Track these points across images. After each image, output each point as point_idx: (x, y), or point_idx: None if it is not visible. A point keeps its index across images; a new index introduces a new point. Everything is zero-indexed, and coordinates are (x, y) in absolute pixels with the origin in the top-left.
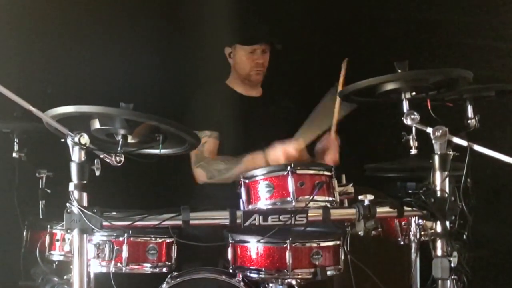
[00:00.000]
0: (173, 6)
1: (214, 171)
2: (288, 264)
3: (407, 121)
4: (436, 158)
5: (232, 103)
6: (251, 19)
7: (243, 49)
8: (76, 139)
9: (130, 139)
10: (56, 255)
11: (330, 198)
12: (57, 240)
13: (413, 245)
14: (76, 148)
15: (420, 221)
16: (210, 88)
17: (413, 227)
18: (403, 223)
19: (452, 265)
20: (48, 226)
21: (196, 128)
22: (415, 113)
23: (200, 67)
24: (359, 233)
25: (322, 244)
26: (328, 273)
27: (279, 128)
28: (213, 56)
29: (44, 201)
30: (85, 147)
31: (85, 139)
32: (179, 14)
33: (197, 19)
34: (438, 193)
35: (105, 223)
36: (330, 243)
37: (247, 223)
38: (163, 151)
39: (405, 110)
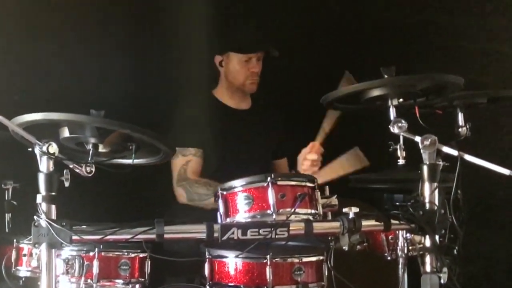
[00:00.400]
0: (153, 9)
1: (195, 195)
2: (268, 280)
3: (394, 130)
4: (425, 168)
5: (220, 116)
6: (246, 26)
7: (237, 57)
8: (44, 148)
9: (101, 149)
10: (23, 271)
11: (313, 211)
12: (24, 255)
13: (401, 260)
14: (44, 158)
15: (408, 235)
16: (195, 100)
17: (400, 241)
18: (390, 237)
19: (442, 281)
20: (15, 240)
21: (181, 144)
22: (403, 121)
23: (184, 76)
24: (344, 247)
25: (305, 259)
26: None
27: (266, 143)
28: (197, 64)
29: (10, 214)
30: (53, 157)
31: (53, 148)
32: (160, 18)
33: (179, 24)
34: (427, 206)
35: (74, 237)
36: (313, 259)
37: (225, 237)
38: (136, 161)
39: (392, 118)
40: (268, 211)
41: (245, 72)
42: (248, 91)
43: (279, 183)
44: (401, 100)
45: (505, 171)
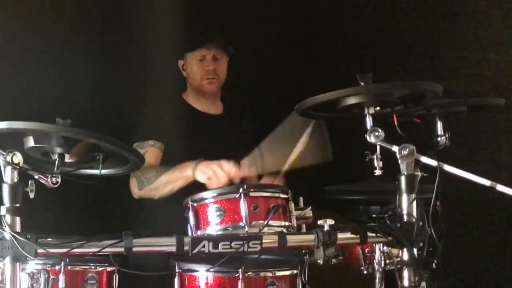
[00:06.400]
0: (120, 16)
1: (144, 179)
2: None
3: (371, 139)
4: (403, 179)
5: (187, 118)
6: (199, 25)
7: (193, 57)
8: (8, 158)
9: (67, 158)
10: None
11: (287, 223)
12: None
13: (378, 274)
14: (8, 168)
15: (385, 248)
16: (163, 103)
17: (377, 254)
18: (366, 250)
19: None
20: None
21: (141, 139)
22: (380, 130)
23: (151, 80)
24: (318, 261)
25: (278, 273)
26: None
27: (238, 149)
28: (165, 67)
29: None
30: (18, 167)
31: (18, 158)
32: (127, 24)
33: (146, 30)
34: (405, 218)
35: (39, 250)
36: (287, 273)
37: (195, 251)
38: (104, 171)
39: (368, 127)
40: (240, 223)
41: (201, 72)
42: (207, 91)
43: (251, 194)
44: (378, 108)
45: (485, 182)
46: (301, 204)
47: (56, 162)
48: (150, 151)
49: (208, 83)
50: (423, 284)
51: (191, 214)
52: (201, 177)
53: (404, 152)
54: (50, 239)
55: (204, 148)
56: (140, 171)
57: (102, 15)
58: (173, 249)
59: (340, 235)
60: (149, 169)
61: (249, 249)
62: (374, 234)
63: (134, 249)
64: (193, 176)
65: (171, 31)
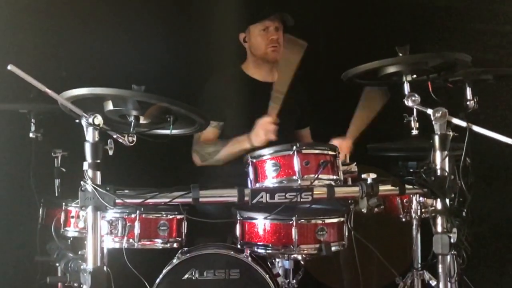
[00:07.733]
0: None
1: (206, 154)
2: (294, 240)
3: (408, 103)
4: (436, 138)
5: (246, 87)
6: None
7: (256, 28)
8: (90, 120)
9: (142, 120)
10: (71, 232)
11: (335, 177)
12: (72, 217)
13: (414, 221)
14: (90, 129)
15: (421, 198)
16: (224, 75)
17: (414, 204)
18: (404, 200)
19: (452, 241)
20: (63, 203)
21: (205, 107)
22: (416, 95)
23: (214, 52)
24: (362, 210)
25: (327, 220)
26: (333, 248)
27: (290, 113)
28: (227, 41)
29: (59, 180)
30: (98, 128)
31: (98, 120)
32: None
33: (211, 6)
34: (438, 172)
35: (118, 201)
36: (335, 220)
37: (254, 201)
38: (174, 131)
39: (406, 92)
40: (294, 177)
41: (265, 41)
42: (271, 59)
43: (303, 151)
44: (414, 76)
45: (509, 140)
46: (347, 160)
47: (132, 123)
48: (208, 130)
49: (272, 50)
50: (455, 230)
51: (250, 169)
52: (258, 143)
53: (438, 115)
54: (127, 191)
55: (263, 114)
56: (199, 147)
57: None
58: (234, 199)
59: (381, 187)
60: (208, 144)
61: (301, 200)
62: (411, 186)
63: (201, 199)
64: (250, 147)
65: (235, 7)
